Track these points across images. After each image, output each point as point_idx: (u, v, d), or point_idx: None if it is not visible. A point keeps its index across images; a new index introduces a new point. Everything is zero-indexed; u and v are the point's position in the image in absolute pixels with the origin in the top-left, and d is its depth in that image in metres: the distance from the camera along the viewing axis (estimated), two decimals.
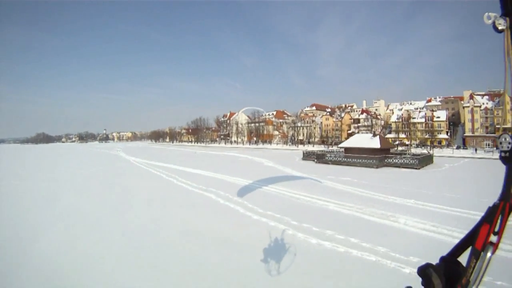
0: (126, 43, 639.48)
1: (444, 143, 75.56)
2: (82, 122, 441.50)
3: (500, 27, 0.95)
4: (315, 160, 36.38)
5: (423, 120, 78.53)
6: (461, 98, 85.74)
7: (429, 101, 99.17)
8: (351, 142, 38.07)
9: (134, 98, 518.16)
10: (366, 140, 37.15)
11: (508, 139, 0.94)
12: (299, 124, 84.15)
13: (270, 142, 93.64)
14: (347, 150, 37.45)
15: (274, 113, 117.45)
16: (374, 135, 38.40)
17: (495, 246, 0.91)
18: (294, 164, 34.83)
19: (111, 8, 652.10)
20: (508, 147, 0.94)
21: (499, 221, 0.92)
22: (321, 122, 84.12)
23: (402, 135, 77.40)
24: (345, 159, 34.31)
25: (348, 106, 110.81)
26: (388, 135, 77.82)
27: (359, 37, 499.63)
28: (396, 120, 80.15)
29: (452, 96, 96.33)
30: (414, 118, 79.17)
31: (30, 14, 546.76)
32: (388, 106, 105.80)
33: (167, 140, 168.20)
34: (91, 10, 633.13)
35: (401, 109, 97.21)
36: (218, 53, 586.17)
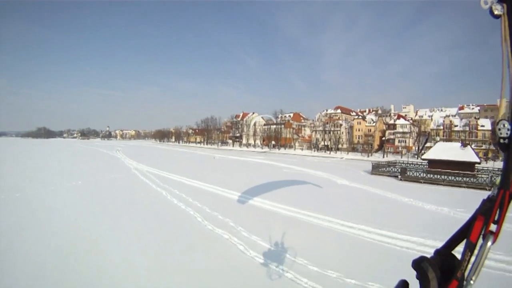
0: (128, 41, 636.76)
1: (490, 154, 67.51)
2: (85, 119, 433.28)
3: (496, 12, 0.92)
4: (399, 176, 27.70)
5: (466, 128, 70.45)
6: (497, 106, 78.78)
7: (462, 108, 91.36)
8: (436, 153, 29.65)
9: (136, 96, 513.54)
10: (455, 152, 28.86)
11: (507, 125, 0.90)
12: (329, 128, 75.32)
13: (291, 147, 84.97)
14: (433, 163, 29.04)
15: (291, 115, 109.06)
16: (464, 144, 30.10)
17: (495, 235, 0.89)
18: (371, 181, 25.95)
19: (116, 6, 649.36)
20: (507, 133, 0.90)
21: (498, 209, 0.89)
22: (352, 127, 75.59)
23: None
24: (443, 177, 25.81)
25: (373, 110, 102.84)
26: (428, 144, 69.62)
27: (363, 41, 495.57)
28: (436, 128, 71.85)
29: (485, 104, 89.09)
30: (457, 126, 71.16)
31: (35, 10, 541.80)
32: (417, 112, 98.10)
33: (173, 140, 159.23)
34: (95, 8, 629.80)
35: (431, 116, 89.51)
36: (221, 54, 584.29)
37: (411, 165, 32.49)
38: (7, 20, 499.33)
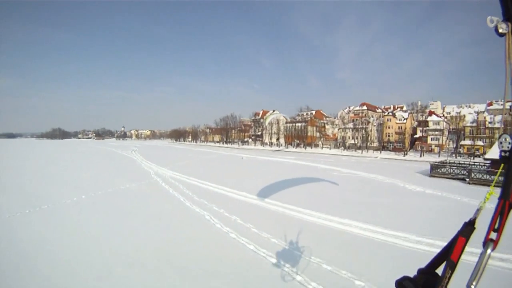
0: (144, 43, 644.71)
1: None
2: (100, 119, 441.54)
3: (501, 31, 0.98)
4: (467, 179, 26.89)
5: (500, 125, 68.31)
6: None
7: (490, 104, 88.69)
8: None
9: (151, 97, 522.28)
10: None
11: (508, 139, 0.98)
12: (359, 125, 74.17)
13: (316, 145, 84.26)
14: (497, 163, 28.06)
15: (313, 113, 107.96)
16: None
17: (495, 243, 0.95)
18: (439, 185, 24.45)
19: (131, 8, 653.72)
20: (508, 147, 0.98)
21: (499, 218, 0.96)
22: (381, 124, 74.26)
23: (479, 142, 67.13)
24: None
25: (398, 107, 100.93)
26: (463, 142, 67.87)
27: (379, 39, 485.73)
28: (471, 125, 69.90)
29: None
30: (491, 122, 69.10)
31: (50, 12, 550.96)
32: (445, 108, 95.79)
33: (189, 139, 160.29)
34: (110, 10, 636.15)
35: (459, 112, 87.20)
36: (235, 55, 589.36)
37: (475, 166, 31.53)
38: (23, 22, 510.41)
